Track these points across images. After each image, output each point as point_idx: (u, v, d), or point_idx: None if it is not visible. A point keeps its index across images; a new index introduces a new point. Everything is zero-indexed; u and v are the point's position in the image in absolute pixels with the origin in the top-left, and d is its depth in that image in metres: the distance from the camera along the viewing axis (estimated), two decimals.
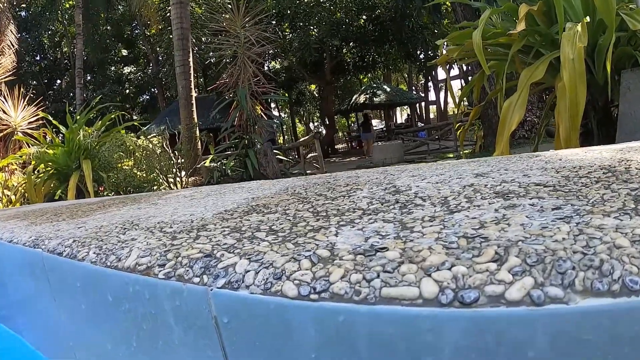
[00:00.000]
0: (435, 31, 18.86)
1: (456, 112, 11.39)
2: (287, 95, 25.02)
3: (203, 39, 17.88)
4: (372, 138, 19.06)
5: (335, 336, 0.48)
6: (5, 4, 13.96)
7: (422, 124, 27.73)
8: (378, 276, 0.49)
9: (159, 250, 0.75)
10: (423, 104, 31.92)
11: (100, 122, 7.56)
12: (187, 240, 0.79)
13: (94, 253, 0.87)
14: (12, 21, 14.93)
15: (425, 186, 1.02)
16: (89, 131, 7.38)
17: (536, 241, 0.50)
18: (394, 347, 0.45)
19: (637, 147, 1.23)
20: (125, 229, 1.06)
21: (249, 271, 0.58)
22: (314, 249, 0.60)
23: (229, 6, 8.72)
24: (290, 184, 1.51)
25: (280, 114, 31.99)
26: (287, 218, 0.87)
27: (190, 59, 9.97)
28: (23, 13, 23.33)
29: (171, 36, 11.80)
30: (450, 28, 15.82)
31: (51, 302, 1.08)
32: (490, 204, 0.73)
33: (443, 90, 30.56)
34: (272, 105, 23.44)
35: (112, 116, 7.98)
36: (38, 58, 26.13)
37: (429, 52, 21.44)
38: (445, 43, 4.97)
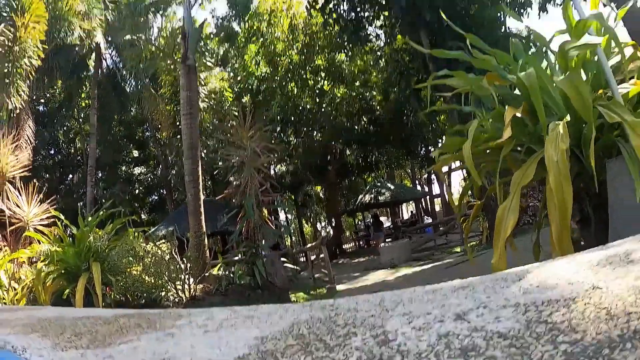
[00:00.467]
0: (433, 125, 19.82)
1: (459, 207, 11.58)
2: (293, 198, 25.39)
3: (210, 143, 18.61)
4: (382, 236, 19.54)
5: None
6: (25, 100, 14.25)
7: (429, 217, 27.92)
8: None
9: None
10: (428, 197, 32.31)
11: (111, 226, 7.76)
12: None
13: None
14: (30, 116, 15.22)
15: (409, 334, 1.18)
16: (100, 233, 7.57)
17: None
18: None
19: (621, 256, 1.35)
20: None
21: None
22: None
23: (235, 114, 9.24)
24: (295, 319, 1.65)
25: (287, 216, 32.26)
26: None
27: (199, 168, 10.28)
28: (41, 107, 23.70)
29: (180, 144, 12.29)
30: (446, 123, 16.58)
31: None
32: None
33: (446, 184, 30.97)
34: (279, 208, 23.85)
35: (123, 221, 8.19)
36: (52, 152, 26.19)
37: (429, 147, 22.14)
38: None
